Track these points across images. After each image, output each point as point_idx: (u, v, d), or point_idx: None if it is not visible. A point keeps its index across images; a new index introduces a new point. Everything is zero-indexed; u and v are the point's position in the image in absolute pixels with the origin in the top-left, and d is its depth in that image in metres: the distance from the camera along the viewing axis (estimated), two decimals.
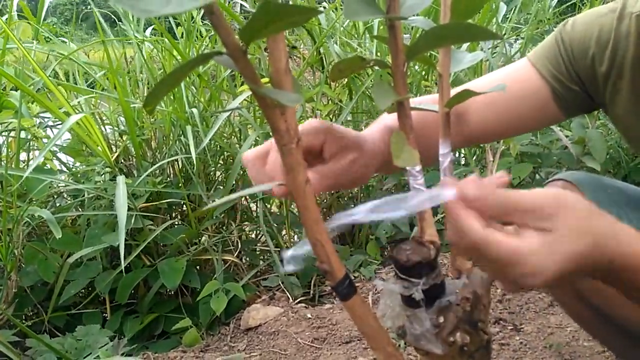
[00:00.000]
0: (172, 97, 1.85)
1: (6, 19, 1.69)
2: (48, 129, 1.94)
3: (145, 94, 2.04)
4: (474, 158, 2.18)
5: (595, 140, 1.94)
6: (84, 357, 1.30)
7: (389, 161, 0.54)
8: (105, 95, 1.96)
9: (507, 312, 1.64)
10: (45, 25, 2.15)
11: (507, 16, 2.53)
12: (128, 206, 1.42)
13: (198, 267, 1.85)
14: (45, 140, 1.79)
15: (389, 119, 0.73)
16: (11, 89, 1.67)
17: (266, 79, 1.13)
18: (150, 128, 1.88)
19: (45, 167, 1.78)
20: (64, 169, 1.89)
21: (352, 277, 1.21)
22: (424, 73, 2.22)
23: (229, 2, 2.36)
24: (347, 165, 0.64)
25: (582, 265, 0.49)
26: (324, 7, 2.32)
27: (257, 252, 2.02)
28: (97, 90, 2.02)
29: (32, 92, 1.58)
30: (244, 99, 1.79)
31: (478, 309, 0.56)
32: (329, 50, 2.06)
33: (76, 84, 2.06)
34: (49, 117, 1.89)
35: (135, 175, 1.80)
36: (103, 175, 1.67)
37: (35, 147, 1.86)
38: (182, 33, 2.07)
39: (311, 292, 1.84)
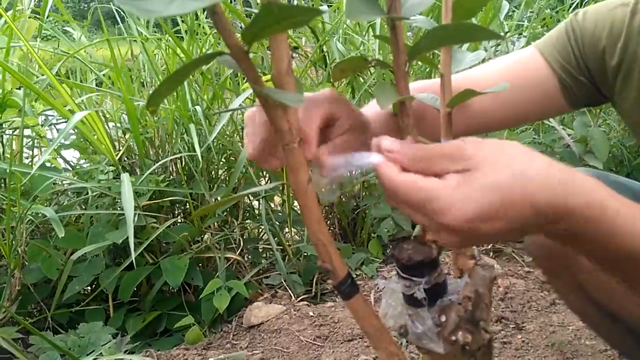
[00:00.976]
0: (175, 95, 1.85)
1: (11, 14, 1.69)
2: (52, 127, 1.95)
3: (149, 92, 2.04)
4: None
5: (597, 138, 1.94)
6: (87, 355, 1.30)
7: None
8: (109, 92, 1.96)
9: (509, 310, 1.64)
10: (53, 15, 2.15)
11: (510, 14, 2.52)
12: None
13: (200, 265, 1.86)
14: (49, 137, 1.79)
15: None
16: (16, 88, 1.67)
17: (268, 77, 1.13)
18: (153, 126, 1.89)
19: (49, 165, 1.78)
20: (68, 167, 1.89)
21: (354, 276, 1.21)
22: (427, 71, 2.21)
23: (232, 1, 2.36)
24: (357, 146, 0.64)
25: (518, 205, 0.44)
26: (330, 4, 2.31)
27: (260, 250, 2.02)
28: (102, 88, 2.02)
29: (37, 89, 1.58)
30: (247, 97, 1.79)
31: (480, 308, 0.56)
32: (332, 48, 2.06)
33: (81, 82, 2.06)
34: (53, 116, 1.90)
35: (138, 173, 1.80)
36: (107, 174, 1.67)
37: (38, 145, 1.87)
38: (186, 30, 2.07)
39: (313, 290, 1.84)
